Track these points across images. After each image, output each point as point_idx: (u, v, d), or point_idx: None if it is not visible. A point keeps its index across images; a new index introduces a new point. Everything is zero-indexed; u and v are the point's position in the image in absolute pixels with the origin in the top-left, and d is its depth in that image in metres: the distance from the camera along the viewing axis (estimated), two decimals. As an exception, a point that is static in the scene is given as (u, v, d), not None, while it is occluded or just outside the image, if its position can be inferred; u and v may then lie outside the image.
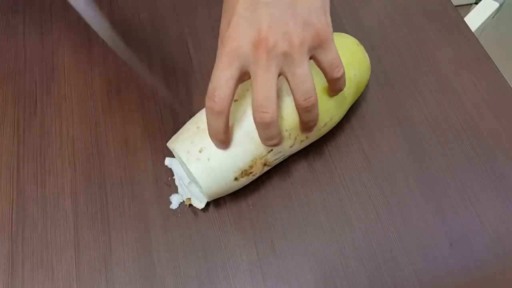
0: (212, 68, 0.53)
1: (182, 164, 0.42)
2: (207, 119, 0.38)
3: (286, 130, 0.40)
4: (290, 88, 0.37)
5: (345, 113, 0.46)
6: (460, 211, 0.43)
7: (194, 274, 0.41)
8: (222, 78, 0.36)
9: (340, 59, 0.38)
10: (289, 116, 0.40)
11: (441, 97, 0.50)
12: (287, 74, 0.36)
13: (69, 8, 0.58)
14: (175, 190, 0.45)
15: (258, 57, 0.34)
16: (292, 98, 0.39)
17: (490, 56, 0.52)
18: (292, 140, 0.42)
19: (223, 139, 0.39)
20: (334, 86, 0.40)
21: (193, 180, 0.42)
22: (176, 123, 0.49)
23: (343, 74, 0.39)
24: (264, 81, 0.35)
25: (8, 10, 0.58)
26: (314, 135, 0.44)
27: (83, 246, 0.43)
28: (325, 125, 0.43)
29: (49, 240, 0.43)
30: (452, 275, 0.40)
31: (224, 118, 0.37)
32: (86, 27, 0.56)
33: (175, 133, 0.48)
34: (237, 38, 0.35)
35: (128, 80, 0.52)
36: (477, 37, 0.55)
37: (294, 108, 0.39)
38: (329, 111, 0.43)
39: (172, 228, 0.43)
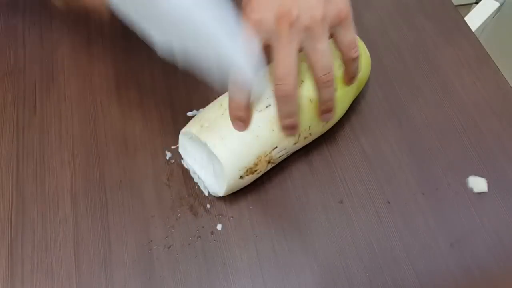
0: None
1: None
2: (229, 95, 0.39)
3: None
4: (309, 64, 0.38)
5: (347, 108, 0.46)
6: (461, 211, 0.43)
7: (194, 274, 0.41)
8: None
9: (357, 41, 0.39)
10: None
11: (441, 97, 0.50)
12: (307, 49, 0.36)
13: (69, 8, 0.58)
14: (175, 190, 0.45)
15: (280, 30, 0.35)
16: (297, 96, 0.39)
17: (491, 55, 0.52)
18: (296, 137, 0.42)
19: (244, 116, 0.39)
20: (350, 68, 0.40)
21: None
22: (176, 123, 0.49)
23: (358, 56, 0.40)
24: (286, 54, 0.36)
25: (8, 10, 0.58)
26: (317, 131, 0.44)
27: (83, 246, 0.43)
28: (327, 122, 0.44)
29: (48, 240, 0.43)
30: (452, 275, 0.40)
31: (247, 92, 0.38)
32: (86, 27, 0.56)
33: (175, 133, 0.48)
34: (261, 10, 0.36)
35: (128, 80, 0.52)
36: (477, 36, 0.55)
37: (298, 105, 0.40)
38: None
39: (172, 228, 0.43)
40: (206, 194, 0.44)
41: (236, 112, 0.39)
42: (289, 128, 0.40)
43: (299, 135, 0.42)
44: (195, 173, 0.45)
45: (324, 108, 0.41)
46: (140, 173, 0.46)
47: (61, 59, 0.54)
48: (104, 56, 0.54)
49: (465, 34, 0.54)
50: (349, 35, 0.38)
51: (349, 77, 0.42)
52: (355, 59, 0.40)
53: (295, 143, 0.42)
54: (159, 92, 0.51)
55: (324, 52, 0.37)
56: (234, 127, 0.39)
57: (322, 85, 0.38)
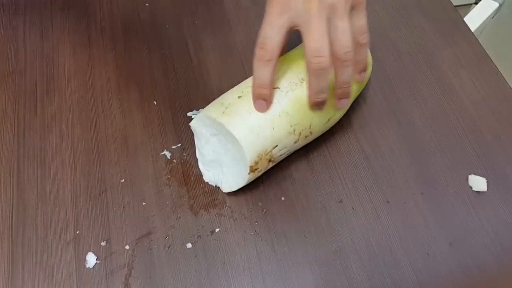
0: (212, 68, 0.53)
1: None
2: (254, 72, 0.39)
3: (291, 126, 0.41)
4: (330, 44, 0.38)
5: (348, 108, 0.46)
6: (460, 210, 0.43)
7: (194, 273, 0.41)
8: (273, 27, 0.37)
9: (367, 28, 0.40)
10: (295, 111, 0.41)
11: (441, 97, 0.50)
12: (330, 27, 0.37)
13: (69, 8, 0.58)
14: (175, 189, 0.45)
15: (310, 6, 0.36)
16: (297, 94, 0.40)
17: (490, 56, 0.52)
18: (297, 135, 0.42)
19: (267, 94, 0.39)
20: (357, 55, 0.41)
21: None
22: (176, 123, 0.49)
23: (367, 42, 0.41)
24: (317, 27, 0.36)
25: (8, 10, 0.58)
26: (318, 130, 0.44)
27: (83, 246, 0.43)
28: (329, 120, 0.44)
29: (49, 240, 0.43)
30: (451, 274, 0.40)
31: (272, 68, 0.38)
32: (86, 27, 0.56)
33: (176, 135, 0.48)
34: None
35: (128, 80, 0.52)
36: (476, 37, 0.55)
37: (299, 103, 0.40)
38: (333, 109, 0.43)
39: (172, 228, 0.43)
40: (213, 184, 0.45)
41: (260, 90, 0.39)
42: (319, 104, 0.40)
43: (300, 134, 0.42)
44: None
45: (340, 91, 0.41)
46: (141, 173, 0.46)
47: (61, 60, 0.54)
48: (105, 56, 0.54)
49: (464, 35, 0.54)
50: (361, 19, 0.39)
51: (357, 68, 0.42)
52: (363, 45, 0.41)
53: (295, 142, 0.42)
54: (159, 92, 0.51)
55: (345, 31, 0.38)
56: (256, 107, 0.40)
57: (341, 64, 0.39)
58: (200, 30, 0.56)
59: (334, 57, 0.38)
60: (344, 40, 0.38)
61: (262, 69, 0.38)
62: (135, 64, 0.53)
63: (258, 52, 0.38)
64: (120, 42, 0.55)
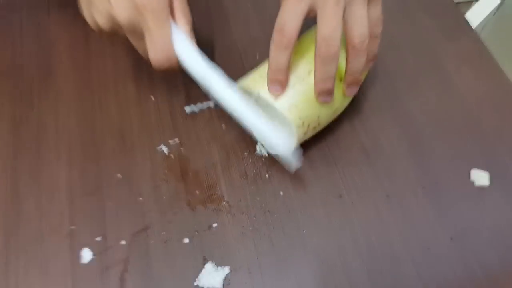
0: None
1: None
2: (271, 56, 0.39)
3: (300, 118, 0.41)
4: (346, 30, 0.38)
5: (351, 98, 0.46)
6: (461, 205, 0.43)
7: (191, 268, 0.41)
8: (292, 12, 0.37)
9: (382, 20, 0.40)
10: (303, 104, 0.41)
11: (442, 93, 0.49)
12: (347, 14, 0.37)
13: (66, 4, 0.58)
14: (172, 185, 0.45)
15: None
16: (305, 88, 0.40)
17: (491, 52, 0.52)
18: (306, 127, 0.42)
19: (283, 79, 0.39)
20: (371, 45, 0.41)
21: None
22: (173, 118, 0.48)
23: (380, 34, 0.41)
24: (332, 14, 0.36)
25: (5, 5, 0.58)
26: (325, 121, 0.44)
27: (79, 241, 0.42)
28: (335, 111, 0.44)
29: (44, 236, 0.42)
30: (452, 269, 0.40)
31: (289, 53, 0.38)
32: (84, 22, 0.56)
33: (173, 129, 0.48)
34: None
35: (126, 76, 0.52)
36: (478, 33, 0.54)
37: (307, 96, 0.40)
38: (338, 99, 0.43)
39: (169, 223, 0.43)
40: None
41: (277, 74, 0.39)
42: (326, 94, 0.40)
43: (309, 126, 0.42)
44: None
45: (350, 79, 0.41)
46: (138, 168, 0.46)
47: (58, 55, 0.54)
48: (102, 51, 0.53)
49: (465, 31, 0.54)
50: (378, 10, 0.39)
51: (367, 58, 0.42)
52: (377, 36, 0.41)
53: (305, 134, 0.42)
54: (156, 87, 0.51)
55: (363, 20, 0.38)
56: (270, 91, 0.40)
57: (356, 52, 0.39)
58: (200, 29, 0.56)
59: (349, 45, 0.39)
60: (361, 29, 0.38)
61: (279, 54, 0.38)
62: (133, 59, 0.53)
63: (276, 37, 0.38)
64: (117, 38, 0.54)
